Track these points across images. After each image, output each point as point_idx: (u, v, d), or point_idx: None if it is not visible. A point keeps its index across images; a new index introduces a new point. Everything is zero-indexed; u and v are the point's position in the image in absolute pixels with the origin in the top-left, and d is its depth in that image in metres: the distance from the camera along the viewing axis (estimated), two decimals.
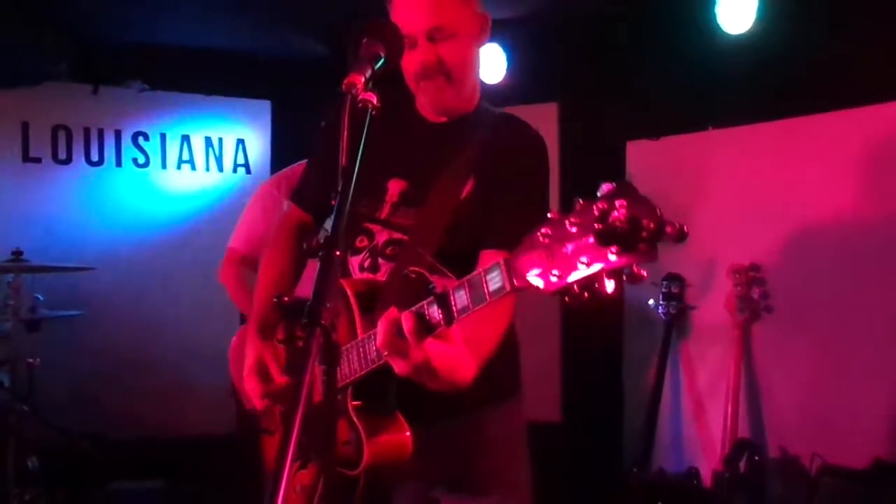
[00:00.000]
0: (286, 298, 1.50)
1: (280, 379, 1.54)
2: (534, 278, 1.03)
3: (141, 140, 4.31)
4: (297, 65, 4.30)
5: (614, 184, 0.97)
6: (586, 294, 0.97)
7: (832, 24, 2.83)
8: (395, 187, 1.58)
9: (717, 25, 3.08)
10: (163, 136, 4.35)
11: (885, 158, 2.68)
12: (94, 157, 4.22)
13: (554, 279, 1.00)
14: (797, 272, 2.92)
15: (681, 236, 0.91)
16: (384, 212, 1.58)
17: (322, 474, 1.04)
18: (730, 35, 3.07)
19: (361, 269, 1.59)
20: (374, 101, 1.18)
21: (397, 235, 1.57)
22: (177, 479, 3.69)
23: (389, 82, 1.58)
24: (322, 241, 1.07)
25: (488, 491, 1.59)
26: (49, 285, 3.53)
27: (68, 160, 4.15)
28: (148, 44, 4.18)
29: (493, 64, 3.96)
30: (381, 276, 1.55)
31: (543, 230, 1.02)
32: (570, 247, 0.98)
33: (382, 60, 1.25)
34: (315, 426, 0.97)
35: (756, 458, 2.82)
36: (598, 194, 0.96)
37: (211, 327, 4.05)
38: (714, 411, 3.16)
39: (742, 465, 2.83)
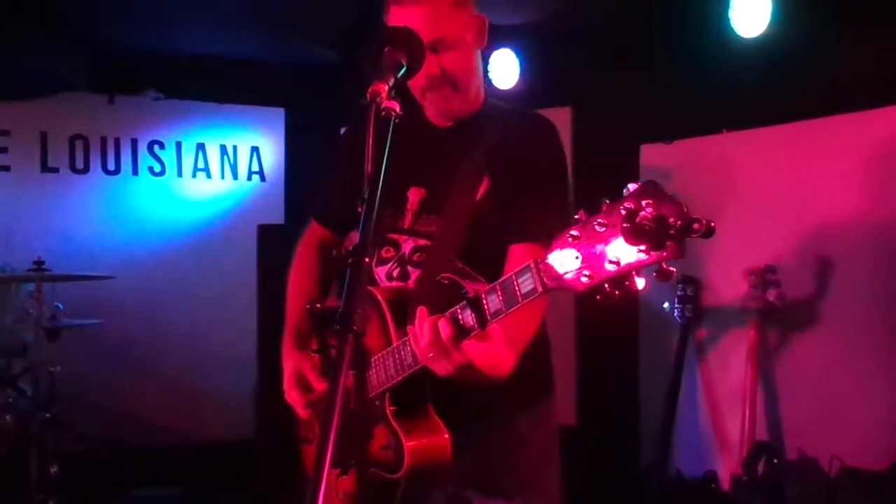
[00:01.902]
0: (318, 305, 1.55)
1: (319, 386, 1.58)
2: (565, 279, 1.05)
3: (157, 149, 4.36)
4: (311, 73, 4.33)
5: (640, 183, 1.00)
6: (617, 292, 1.00)
7: (846, 27, 2.82)
8: (414, 196, 1.60)
9: (731, 29, 3.08)
10: (178, 145, 4.40)
11: (889, 162, 2.68)
12: (111, 166, 4.26)
13: (585, 279, 1.03)
14: (813, 274, 2.91)
15: (708, 232, 0.93)
16: (407, 221, 1.60)
17: (358, 478, 1.07)
18: (744, 38, 3.06)
19: (390, 278, 1.60)
20: (398, 110, 1.19)
21: (423, 242, 1.58)
22: (194, 484, 3.72)
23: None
24: (350, 249, 1.09)
25: (520, 492, 1.60)
26: (68, 294, 3.58)
27: (86, 169, 4.20)
28: (163, 53, 4.23)
29: (506, 69, 3.97)
30: (411, 284, 1.57)
31: (572, 231, 1.05)
32: (599, 247, 1.01)
33: (405, 69, 1.27)
34: (351, 432, 1.00)
35: (774, 460, 2.81)
36: (624, 194, 0.99)
37: (227, 334, 4.08)
38: (731, 414, 3.15)
39: (760, 467, 2.82)
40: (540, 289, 1.11)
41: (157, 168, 4.36)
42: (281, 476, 1.81)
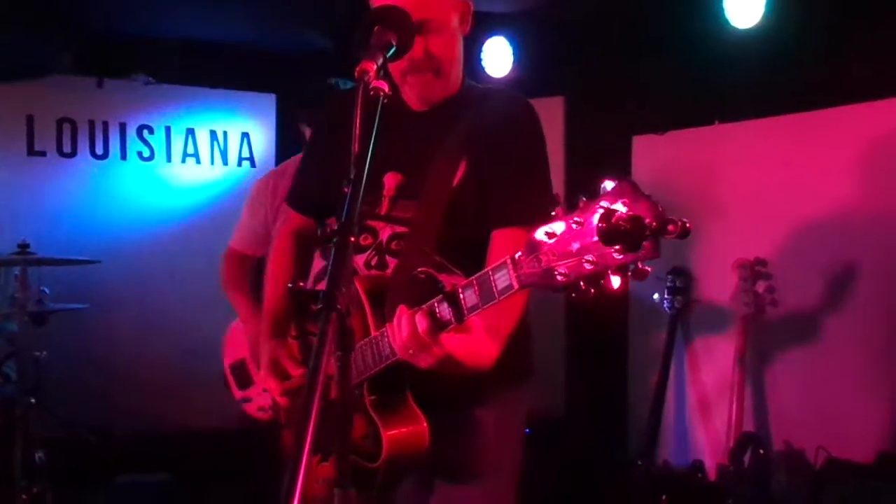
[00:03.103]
0: (301, 283, 1.55)
1: (296, 373, 1.57)
2: (541, 277, 1.06)
3: (146, 133, 4.31)
4: (303, 58, 4.29)
5: (616, 182, 1.00)
6: (593, 290, 1.01)
7: (839, 19, 2.82)
8: (391, 181, 1.57)
9: (725, 20, 3.07)
10: (168, 130, 4.35)
11: (890, 155, 2.68)
12: (99, 150, 4.21)
13: (561, 277, 1.03)
14: (803, 266, 2.92)
15: (683, 233, 0.94)
16: (383, 207, 1.57)
17: (337, 463, 1.06)
18: (738, 29, 3.06)
19: (368, 266, 1.58)
20: (386, 89, 1.18)
21: (400, 229, 1.56)
22: (182, 472, 3.70)
23: None
24: (335, 228, 1.08)
25: (486, 479, 1.61)
26: (55, 278, 3.54)
27: (73, 153, 4.15)
28: (153, 37, 4.18)
29: (500, 57, 3.95)
30: (389, 273, 1.55)
31: (548, 228, 1.05)
32: (575, 245, 1.02)
33: (394, 49, 1.26)
34: (332, 419, 0.99)
35: (761, 451, 2.83)
36: (601, 192, 1.00)
37: (216, 320, 4.03)
38: (719, 405, 3.17)
39: (747, 458, 2.83)
40: (516, 285, 1.12)
41: (146, 153, 4.31)
42: (268, 463, 1.79)
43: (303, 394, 0.91)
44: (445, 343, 1.25)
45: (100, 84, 4.14)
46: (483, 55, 3.96)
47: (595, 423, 3.74)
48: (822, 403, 2.85)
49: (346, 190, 1.11)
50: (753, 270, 2.99)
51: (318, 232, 1.49)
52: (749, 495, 2.77)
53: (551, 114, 3.88)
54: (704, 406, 3.33)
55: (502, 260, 1.14)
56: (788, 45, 2.95)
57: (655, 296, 3.25)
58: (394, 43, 1.26)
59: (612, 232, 0.96)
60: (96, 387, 3.91)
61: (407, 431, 1.44)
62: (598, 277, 1.00)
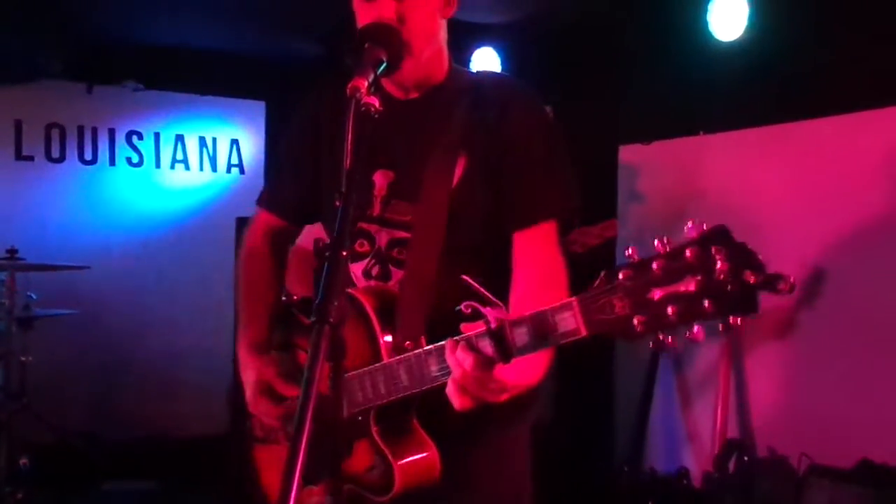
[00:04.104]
0: (295, 297, 1.47)
1: (290, 392, 1.45)
2: (617, 324, 0.97)
3: (135, 139, 4.31)
4: (292, 66, 4.31)
5: (709, 228, 0.91)
6: (671, 339, 0.94)
7: (821, 32, 2.87)
8: (381, 180, 1.44)
9: (709, 32, 3.12)
10: (157, 136, 4.36)
11: (872, 165, 2.73)
12: (88, 155, 4.21)
13: (640, 327, 0.94)
14: (785, 273, 2.95)
15: (791, 289, 0.89)
16: (375, 208, 1.44)
17: (332, 489, 1.03)
18: (721, 42, 3.11)
19: (368, 276, 1.46)
20: (377, 105, 1.15)
21: (399, 234, 1.43)
22: (168, 479, 3.69)
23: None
24: (327, 242, 1.07)
25: None
26: (43, 284, 3.53)
27: (62, 159, 4.15)
28: (143, 43, 4.19)
29: (487, 68, 3.99)
30: (393, 284, 1.44)
31: (625, 272, 0.96)
32: (657, 293, 0.93)
33: (385, 65, 1.24)
34: (326, 440, 0.95)
35: (745, 458, 2.86)
36: (692, 237, 0.92)
37: (203, 326, 4.06)
38: (704, 411, 3.20)
39: (731, 465, 2.86)
40: (584, 332, 1.01)
41: (135, 158, 4.32)
42: (250, 478, 1.73)
43: (295, 414, 0.86)
44: (498, 376, 1.13)
45: (89, 90, 4.15)
46: (471, 66, 4.00)
47: (581, 430, 3.76)
48: (806, 410, 2.89)
49: (337, 203, 1.07)
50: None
51: (320, 244, 1.45)
52: (733, 502, 2.80)
53: None
54: (690, 413, 3.36)
55: (567, 301, 1.02)
56: (771, 57, 3.00)
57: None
58: (384, 59, 1.24)
59: (712, 288, 0.89)
60: (83, 392, 3.90)
61: (418, 460, 1.32)
62: (681, 329, 0.92)
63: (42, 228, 3.97)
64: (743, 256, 0.89)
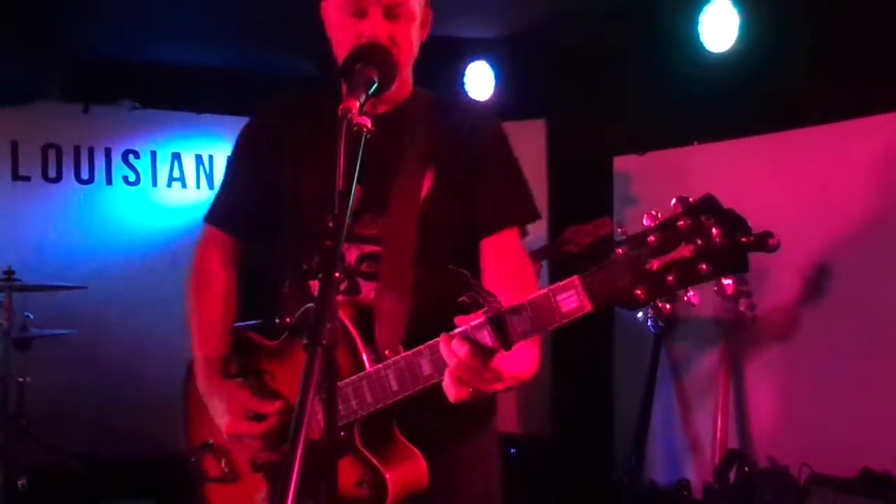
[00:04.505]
0: (288, 319, 1.42)
1: (271, 409, 1.42)
2: (618, 295, 1.03)
3: (131, 158, 4.32)
4: (287, 83, 4.32)
5: (698, 198, 1.00)
6: (668, 306, 1.03)
7: (809, 43, 2.91)
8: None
9: (701, 44, 3.15)
10: (153, 154, 4.36)
11: (860, 171, 2.74)
12: (85, 175, 4.22)
13: (641, 296, 1.02)
14: (784, 283, 2.96)
15: (778, 245, 0.97)
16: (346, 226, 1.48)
17: None
18: (712, 53, 3.13)
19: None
20: (369, 125, 1.17)
21: (368, 249, 1.45)
22: (167, 498, 3.67)
23: (312, 84, 1.56)
24: (319, 262, 1.07)
25: None
26: (40, 304, 3.52)
27: (58, 178, 4.15)
28: (139, 63, 4.21)
29: (481, 81, 4.02)
30: (364, 297, 1.45)
31: (622, 248, 1.03)
32: (655, 263, 1.01)
33: (377, 85, 1.25)
34: (316, 463, 0.92)
35: (745, 468, 2.85)
36: (683, 207, 1.00)
37: None
38: (704, 422, 3.19)
39: (732, 475, 2.85)
40: (589, 307, 1.06)
41: (132, 177, 4.32)
42: None
43: (289, 435, 0.85)
44: (496, 366, 1.16)
45: (86, 110, 4.16)
46: (466, 79, 4.03)
47: (581, 443, 3.75)
48: (806, 419, 2.88)
49: (329, 224, 1.08)
50: (734, 288, 3.02)
51: (304, 267, 1.38)
52: None
53: (533, 136, 3.94)
54: (690, 424, 3.35)
55: (568, 280, 1.08)
56: (761, 67, 3.03)
57: (639, 314, 3.28)
58: (376, 79, 1.25)
59: (709, 250, 0.97)
60: (81, 412, 3.88)
61: (407, 468, 1.34)
62: (677, 293, 1.00)
63: (39, 248, 3.97)
64: (732, 220, 0.98)
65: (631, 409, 3.27)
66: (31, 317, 3.43)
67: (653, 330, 3.25)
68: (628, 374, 3.51)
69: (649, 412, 3.16)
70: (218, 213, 1.61)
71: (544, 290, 1.10)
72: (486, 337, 1.14)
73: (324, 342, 0.93)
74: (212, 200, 1.63)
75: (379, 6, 1.38)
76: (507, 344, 1.13)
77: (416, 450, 1.36)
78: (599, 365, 3.66)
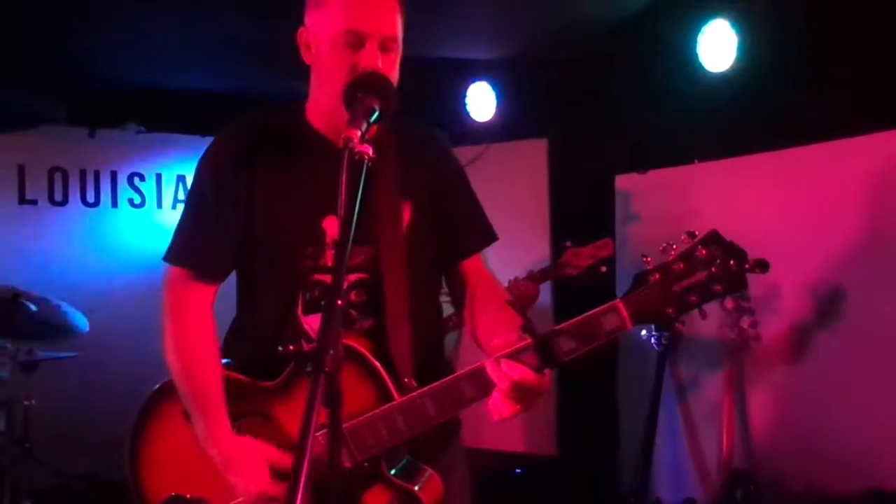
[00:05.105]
0: (292, 347, 1.42)
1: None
2: (651, 314, 1.26)
3: (137, 181, 4.36)
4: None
5: (705, 233, 1.29)
6: (683, 322, 1.19)
7: (806, 63, 2.93)
8: (332, 227, 1.43)
9: (700, 64, 3.17)
10: (158, 177, 4.40)
11: (857, 188, 2.75)
12: (91, 198, 4.25)
13: (672, 313, 1.27)
14: (786, 300, 2.96)
15: (768, 267, 1.25)
16: (329, 257, 1.43)
17: None
18: (711, 73, 3.16)
19: None
20: (371, 153, 1.18)
21: (354, 277, 1.46)
22: None
23: (268, 108, 1.54)
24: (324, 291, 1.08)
25: None
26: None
27: (64, 202, 4.19)
28: (144, 87, 4.26)
29: (483, 102, 4.05)
30: (363, 326, 1.46)
31: (654, 276, 1.27)
32: (678, 286, 1.27)
33: (378, 114, 1.26)
34: (330, 496, 0.96)
35: (751, 487, 2.83)
36: (696, 241, 1.27)
37: None
38: (710, 440, 3.17)
39: (738, 494, 2.83)
40: (630, 325, 1.27)
41: (137, 200, 4.36)
42: None
43: (293, 463, 0.87)
44: (544, 383, 1.27)
45: (91, 134, 4.20)
46: (467, 100, 4.06)
47: (587, 461, 3.73)
48: (812, 438, 2.86)
49: (333, 254, 1.11)
50: (738, 306, 3.02)
51: (307, 295, 1.41)
52: None
53: (535, 155, 3.97)
54: (696, 442, 3.33)
55: (612, 304, 1.27)
56: (759, 86, 3.05)
57: (643, 332, 3.28)
58: (377, 108, 1.26)
59: (720, 275, 1.24)
60: (86, 434, 3.87)
61: (430, 484, 1.41)
62: (694, 310, 1.26)
63: (45, 271, 3.99)
64: (735, 250, 1.28)
65: (636, 428, 3.26)
66: None
67: (656, 347, 3.25)
68: (633, 392, 3.50)
69: (654, 430, 3.14)
70: (193, 256, 1.52)
71: (589, 314, 1.28)
72: (532, 358, 1.26)
73: (327, 369, 0.94)
74: (179, 239, 1.54)
75: (376, 39, 1.39)
76: (554, 363, 1.26)
77: (427, 467, 1.42)
78: (604, 383, 3.66)
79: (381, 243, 1.46)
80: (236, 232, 1.49)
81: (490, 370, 1.27)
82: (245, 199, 1.48)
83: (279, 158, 1.49)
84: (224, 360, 1.53)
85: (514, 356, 1.26)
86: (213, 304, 1.54)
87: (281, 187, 1.48)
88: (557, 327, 1.27)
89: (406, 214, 1.49)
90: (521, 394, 1.26)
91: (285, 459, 1.41)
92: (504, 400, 1.27)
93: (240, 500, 1.42)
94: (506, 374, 1.25)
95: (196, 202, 1.54)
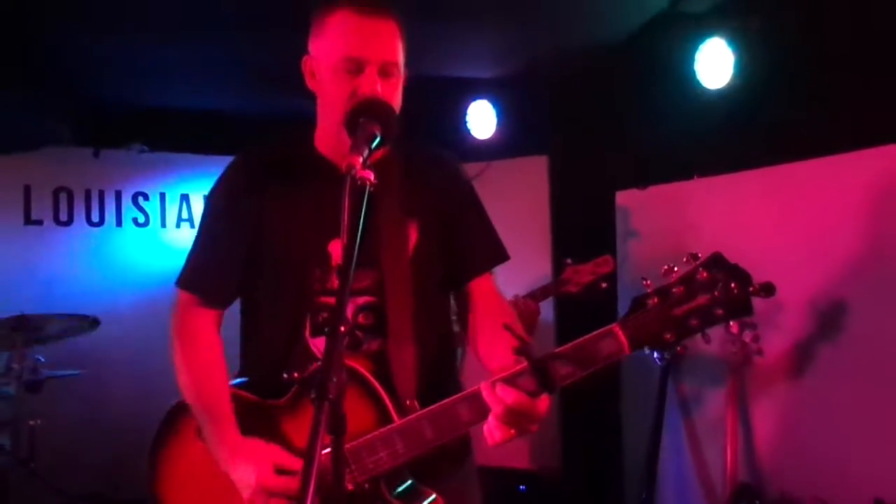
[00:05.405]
0: (296, 374, 1.43)
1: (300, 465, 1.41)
2: (650, 339, 1.23)
3: (141, 200, 4.39)
4: (293, 122, 4.39)
5: (708, 256, 1.23)
6: (686, 347, 1.18)
7: (802, 78, 2.96)
8: (336, 250, 1.46)
9: (697, 81, 3.21)
10: (162, 196, 4.44)
11: (854, 203, 2.77)
12: (95, 217, 4.28)
13: (670, 338, 1.22)
14: (789, 313, 2.96)
15: (774, 291, 1.20)
16: (335, 280, 1.45)
17: None
18: (708, 90, 3.20)
19: None
20: (372, 178, 1.20)
21: (362, 300, 1.48)
22: None
23: (280, 137, 1.58)
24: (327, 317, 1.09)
25: None
26: (50, 345, 3.55)
27: (69, 222, 4.22)
28: (147, 107, 4.30)
29: (484, 119, 4.09)
30: (372, 349, 1.48)
31: (652, 300, 1.22)
32: (678, 310, 1.21)
33: (379, 139, 1.28)
34: None
35: (756, 501, 2.83)
36: (698, 264, 1.22)
37: None
38: (714, 455, 3.17)
39: None
40: (627, 350, 1.23)
41: (141, 219, 4.39)
42: None
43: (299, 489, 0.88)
44: (539, 408, 1.26)
45: (96, 154, 4.24)
46: (468, 118, 4.10)
47: (592, 478, 3.73)
48: (816, 452, 2.86)
49: (336, 280, 1.13)
50: (740, 321, 3.03)
51: (310, 322, 1.42)
52: None
53: (536, 172, 4.00)
54: (700, 456, 3.33)
55: (608, 328, 1.24)
56: (756, 103, 3.09)
57: (645, 348, 3.28)
58: (378, 134, 1.28)
59: (721, 300, 1.19)
60: (91, 454, 3.88)
61: None
62: (696, 335, 1.21)
63: (50, 291, 4.01)
64: (739, 273, 1.22)
65: (641, 443, 3.26)
66: (42, 359, 3.46)
67: (659, 363, 3.26)
68: (637, 408, 3.50)
69: (658, 445, 3.14)
70: (200, 281, 1.56)
71: (586, 338, 1.24)
72: (529, 382, 1.24)
73: (331, 396, 0.96)
74: (190, 265, 1.58)
75: (376, 65, 1.42)
76: (551, 388, 1.24)
77: (430, 490, 1.41)
78: (608, 399, 3.66)
79: (386, 266, 1.47)
80: (240, 260, 1.53)
81: (485, 394, 1.26)
82: (253, 225, 1.51)
83: (287, 184, 1.52)
84: (235, 381, 1.57)
85: (510, 380, 1.25)
86: (220, 325, 1.59)
87: (288, 212, 1.51)
88: (554, 351, 1.24)
89: (412, 236, 1.50)
90: (515, 418, 1.24)
91: (289, 459, 1.42)
92: (497, 424, 1.26)
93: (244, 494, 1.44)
94: (500, 398, 1.24)
95: (205, 230, 1.59)
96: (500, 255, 1.61)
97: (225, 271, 1.55)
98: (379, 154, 1.45)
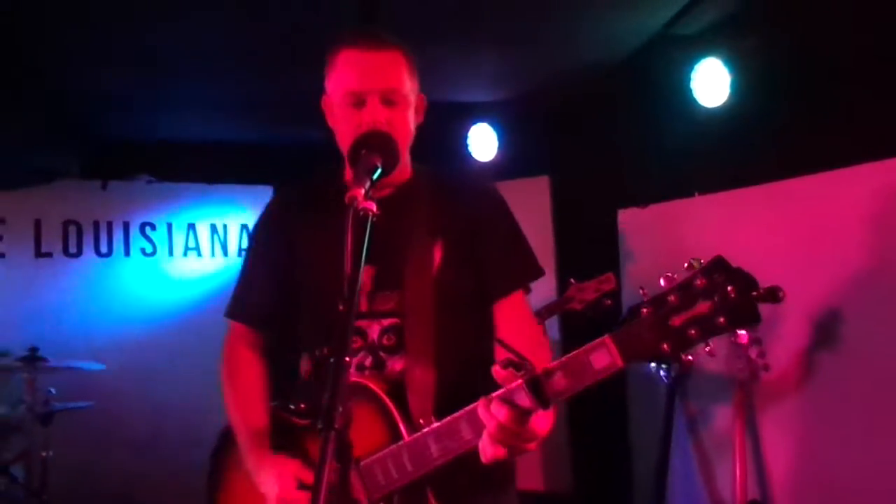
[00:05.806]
0: (303, 405, 1.50)
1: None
2: (645, 351, 1.14)
3: (148, 230, 4.44)
4: (297, 151, 4.47)
5: (709, 261, 1.13)
6: (691, 357, 1.11)
7: (796, 96, 3.00)
8: (364, 275, 1.45)
9: (694, 100, 3.25)
10: (169, 226, 4.49)
11: (853, 218, 2.79)
12: (104, 248, 4.33)
13: (667, 350, 1.13)
14: (794, 331, 2.96)
15: (784, 296, 1.07)
16: (363, 304, 1.51)
17: None
18: (706, 108, 3.23)
19: (361, 369, 1.52)
20: (374, 209, 1.23)
21: (387, 322, 1.52)
22: None
23: (315, 173, 1.64)
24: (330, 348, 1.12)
25: None
26: (61, 377, 3.58)
27: (78, 253, 4.27)
28: (154, 139, 4.38)
29: (485, 142, 4.14)
30: (392, 370, 1.51)
31: (646, 308, 1.14)
32: (677, 320, 1.12)
33: (380, 171, 1.33)
34: None
35: None
36: (697, 270, 1.12)
37: (221, 414, 4.06)
38: (724, 472, 3.16)
39: None
40: (620, 363, 1.15)
41: (149, 249, 4.43)
42: None
43: None
44: (532, 426, 1.23)
45: (104, 186, 4.31)
46: (469, 141, 4.15)
47: (602, 498, 3.71)
48: (827, 466, 2.85)
49: (340, 308, 1.13)
50: (749, 338, 3.03)
51: (316, 352, 1.46)
52: None
53: (538, 192, 4.03)
54: (709, 474, 3.31)
55: (599, 340, 1.17)
56: (753, 121, 3.12)
57: (652, 365, 3.29)
58: (379, 165, 1.32)
59: (723, 306, 1.08)
60: (101, 485, 3.88)
61: None
62: (697, 346, 1.11)
63: (60, 322, 4.05)
64: (743, 278, 1.10)
65: (650, 461, 3.25)
66: (54, 391, 3.48)
67: (665, 381, 3.26)
68: (644, 426, 3.49)
69: (667, 463, 3.13)
70: (240, 309, 1.70)
71: (578, 350, 1.18)
72: (524, 398, 1.20)
73: (336, 426, 0.98)
74: (233, 295, 1.72)
75: (376, 95, 1.47)
76: (545, 404, 1.20)
77: None
78: (616, 420, 3.66)
79: (408, 287, 1.50)
80: (277, 288, 1.62)
81: (480, 410, 1.25)
82: (287, 256, 1.60)
83: (318, 215, 1.59)
84: (275, 402, 1.67)
85: (507, 396, 1.22)
86: (264, 349, 1.70)
87: (318, 243, 1.56)
88: (548, 366, 1.21)
89: (437, 257, 1.52)
90: (507, 436, 1.22)
91: (310, 474, 1.47)
92: (489, 441, 1.24)
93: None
94: (493, 414, 1.22)
95: (245, 262, 1.73)
96: (529, 274, 1.59)
97: (262, 296, 1.66)
98: (406, 176, 1.56)
